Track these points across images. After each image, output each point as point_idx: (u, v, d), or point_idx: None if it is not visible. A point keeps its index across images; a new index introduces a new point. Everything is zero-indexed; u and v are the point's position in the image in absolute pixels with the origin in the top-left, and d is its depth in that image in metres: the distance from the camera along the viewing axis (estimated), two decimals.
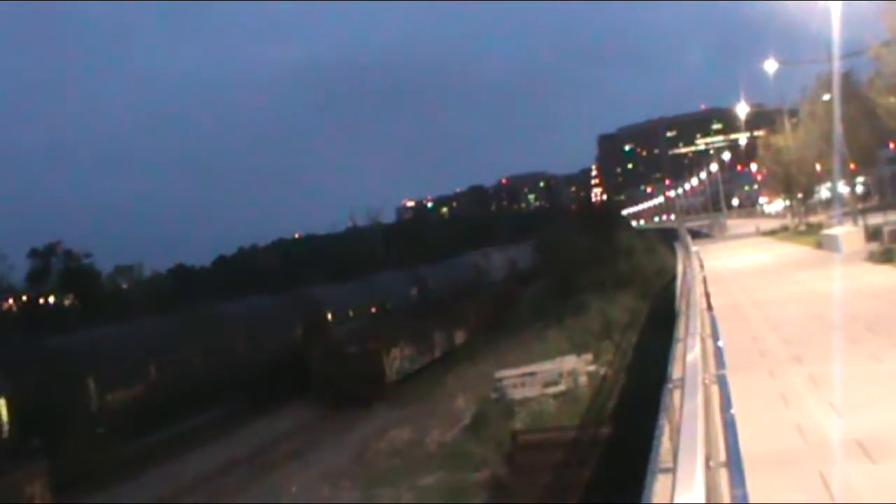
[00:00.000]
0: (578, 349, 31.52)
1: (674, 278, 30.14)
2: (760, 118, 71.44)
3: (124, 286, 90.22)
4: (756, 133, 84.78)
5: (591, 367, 29.37)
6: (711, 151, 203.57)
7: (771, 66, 39.55)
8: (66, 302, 78.64)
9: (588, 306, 39.99)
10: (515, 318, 52.31)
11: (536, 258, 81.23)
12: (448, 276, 64.22)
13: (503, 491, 21.56)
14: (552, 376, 28.35)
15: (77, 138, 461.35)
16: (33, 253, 78.00)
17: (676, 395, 6.63)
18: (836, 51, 30.68)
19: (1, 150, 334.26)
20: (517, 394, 27.99)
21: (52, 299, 78.66)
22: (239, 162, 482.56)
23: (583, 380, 28.30)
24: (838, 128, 32.82)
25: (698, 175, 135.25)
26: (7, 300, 78.20)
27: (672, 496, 3.34)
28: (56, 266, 78.33)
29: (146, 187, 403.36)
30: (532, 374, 28.77)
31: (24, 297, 77.97)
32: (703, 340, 8.62)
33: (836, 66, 32.57)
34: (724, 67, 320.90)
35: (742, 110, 55.35)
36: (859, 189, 45.31)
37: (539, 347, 34.91)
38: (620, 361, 29.13)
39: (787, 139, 50.89)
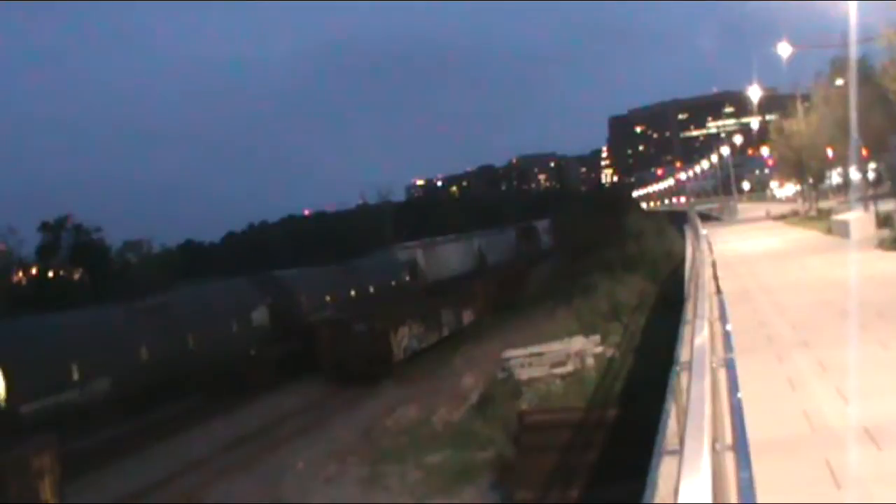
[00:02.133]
0: (587, 330, 31.50)
1: (683, 261, 30.08)
2: (773, 102, 70.97)
3: (133, 261, 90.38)
4: (768, 117, 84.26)
5: (599, 349, 29.34)
6: (723, 135, 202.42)
7: (784, 49, 39.17)
8: (76, 276, 78.91)
9: (597, 288, 39.94)
10: (525, 298, 52.39)
11: (518, 248, 69.19)
12: (343, 284, 45.39)
13: (509, 471, 21.67)
14: (560, 357, 28.36)
15: (88, 114, 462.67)
16: (43, 226, 78.23)
17: (684, 377, 6.64)
18: (853, 36, 30.46)
19: (12, 125, 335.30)
20: (524, 374, 27.99)
21: (61, 273, 78.94)
22: (250, 139, 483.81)
23: (590, 361, 28.30)
24: (853, 113, 32.59)
25: (709, 158, 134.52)
26: (17, 273, 78.51)
27: (678, 478, 3.37)
28: (66, 240, 78.56)
29: (157, 163, 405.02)
30: (540, 354, 28.75)
31: (34, 271, 78.30)
32: (711, 324, 8.61)
33: (853, 51, 32.34)
34: (736, 51, 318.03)
35: (754, 94, 54.87)
36: (871, 175, 44.97)
37: (548, 327, 34.91)
38: (628, 343, 29.13)
39: (799, 124, 50.68)
